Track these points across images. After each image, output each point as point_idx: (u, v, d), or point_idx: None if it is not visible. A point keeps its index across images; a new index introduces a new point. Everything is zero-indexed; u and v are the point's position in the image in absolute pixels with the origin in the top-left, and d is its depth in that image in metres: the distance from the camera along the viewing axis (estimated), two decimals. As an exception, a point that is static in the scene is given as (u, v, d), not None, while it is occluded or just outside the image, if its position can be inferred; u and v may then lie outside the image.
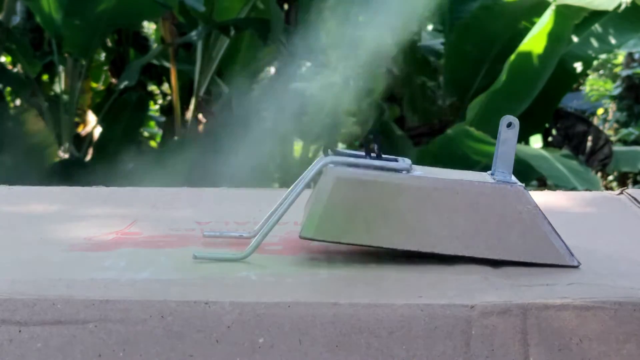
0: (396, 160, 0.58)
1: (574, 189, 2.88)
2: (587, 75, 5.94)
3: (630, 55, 5.49)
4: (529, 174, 3.28)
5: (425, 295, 0.48)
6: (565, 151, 3.63)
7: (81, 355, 0.46)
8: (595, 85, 6.31)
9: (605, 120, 5.86)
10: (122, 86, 4.31)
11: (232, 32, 4.06)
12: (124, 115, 4.14)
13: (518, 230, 0.56)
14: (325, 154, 0.58)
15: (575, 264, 0.56)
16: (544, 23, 3.38)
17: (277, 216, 0.57)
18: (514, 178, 0.58)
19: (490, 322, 0.46)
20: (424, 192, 0.56)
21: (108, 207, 0.78)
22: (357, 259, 0.57)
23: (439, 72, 4.37)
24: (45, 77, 4.73)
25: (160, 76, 5.02)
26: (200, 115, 4.47)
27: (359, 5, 3.23)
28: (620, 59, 5.95)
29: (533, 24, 3.57)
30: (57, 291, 0.48)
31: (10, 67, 4.80)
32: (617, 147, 4.69)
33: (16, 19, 4.48)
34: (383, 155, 0.58)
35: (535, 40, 3.42)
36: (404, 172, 0.57)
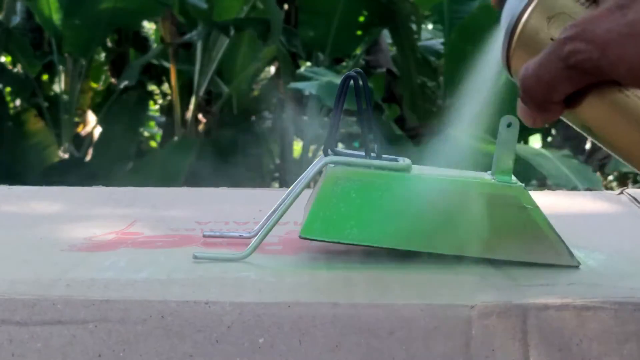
0: (396, 160, 0.58)
1: (574, 187, 2.88)
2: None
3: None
4: (529, 173, 3.28)
5: (425, 295, 0.48)
6: (565, 151, 3.63)
7: (81, 355, 0.46)
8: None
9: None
10: (122, 86, 4.31)
11: (232, 32, 4.06)
12: (124, 115, 4.14)
13: (518, 230, 0.56)
14: (325, 154, 0.58)
15: (575, 264, 0.56)
16: (544, 23, 3.38)
17: (277, 216, 0.57)
18: (514, 178, 0.58)
19: (490, 322, 0.46)
20: (423, 192, 0.56)
21: (108, 207, 0.78)
22: (357, 259, 0.57)
23: (439, 72, 4.37)
24: (45, 77, 4.73)
25: (160, 76, 5.02)
26: (200, 115, 4.47)
27: None
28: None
29: (533, 23, 3.56)
30: (57, 291, 0.48)
31: (10, 67, 4.80)
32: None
33: (16, 19, 4.47)
34: (383, 155, 0.58)
35: (535, 40, 3.41)
36: (404, 172, 0.57)
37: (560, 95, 0.41)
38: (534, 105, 0.42)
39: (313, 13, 3.86)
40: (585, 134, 0.44)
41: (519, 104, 0.43)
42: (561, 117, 0.44)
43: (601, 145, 0.44)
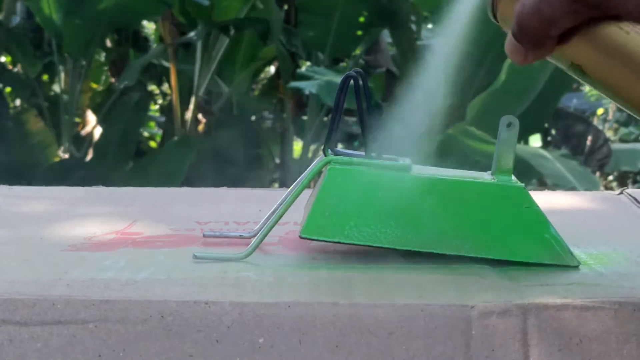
0: (396, 160, 0.58)
1: (573, 188, 2.88)
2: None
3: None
4: (529, 173, 3.29)
5: (425, 295, 0.48)
6: (564, 151, 3.63)
7: (81, 355, 0.46)
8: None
9: (605, 120, 5.86)
10: (122, 86, 4.31)
11: (232, 32, 4.06)
12: (124, 115, 4.14)
13: (518, 230, 0.56)
14: (325, 154, 0.58)
15: (575, 264, 0.56)
16: (544, 23, 3.37)
17: (277, 216, 0.57)
18: (514, 178, 0.58)
19: (490, 322, 0.46)
20: (423, 192, 0.56)
21: (108, 207, 0.78)
22: (357, 259, 0.57)
23: (439, 72, 4.37)
24: (45, 77, 4.73)
25: (160, 76, 5.02)
26: (200, 115, 4.47)
27: None
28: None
29: (533, 23, 3.56)
30: (57, 291, 0.48)
31: (10, 67, 4.80)
32: (617, 146, 4.69)
33: (16, 19, 4.48)
34: (383, 155, 0.58)
35: (535, 40, 3.41)
36: (404, 172, 0.57)
37: (559, 29, 0.40)
38: (529, 41, 0.41)
39: (313, 13, 3.86)
40: (572, 73, 0.43)
41: (509, 41, 0.42)
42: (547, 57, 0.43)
43: (590, 86, 0.43)
